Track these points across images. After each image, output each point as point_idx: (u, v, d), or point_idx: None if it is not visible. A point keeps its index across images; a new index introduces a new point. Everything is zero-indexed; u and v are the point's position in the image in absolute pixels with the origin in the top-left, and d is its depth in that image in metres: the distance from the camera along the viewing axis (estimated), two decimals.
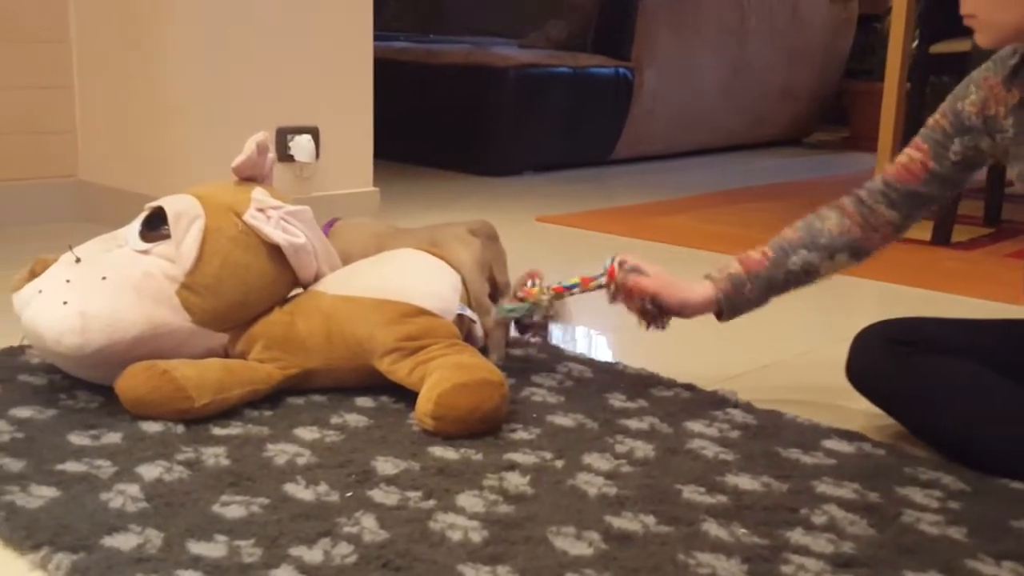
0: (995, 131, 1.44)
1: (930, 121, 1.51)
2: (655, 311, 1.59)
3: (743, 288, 1.56)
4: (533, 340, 1.77)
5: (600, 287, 1.60)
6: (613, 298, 1.60)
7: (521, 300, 1.64)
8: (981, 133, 1.46)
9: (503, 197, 3.58)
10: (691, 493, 1.26)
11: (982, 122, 1.45)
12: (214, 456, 1.31)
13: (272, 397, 1.52)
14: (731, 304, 1.57)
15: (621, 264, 1.59)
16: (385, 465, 1.31)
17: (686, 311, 1.59)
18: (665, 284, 1.58)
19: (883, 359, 1.48)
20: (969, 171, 1.52)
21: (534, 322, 1.67)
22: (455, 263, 1.70)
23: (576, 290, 1.62)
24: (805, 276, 1.56)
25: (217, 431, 1.40)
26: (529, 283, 1.64)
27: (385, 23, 5.28)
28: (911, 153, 1.52)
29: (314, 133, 2.77)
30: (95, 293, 1.45)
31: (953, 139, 1.48)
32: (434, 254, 1.68)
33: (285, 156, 2.70)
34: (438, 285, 1.61)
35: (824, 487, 1.29)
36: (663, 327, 1.61)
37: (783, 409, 1.56)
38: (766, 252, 1.58)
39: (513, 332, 1.74)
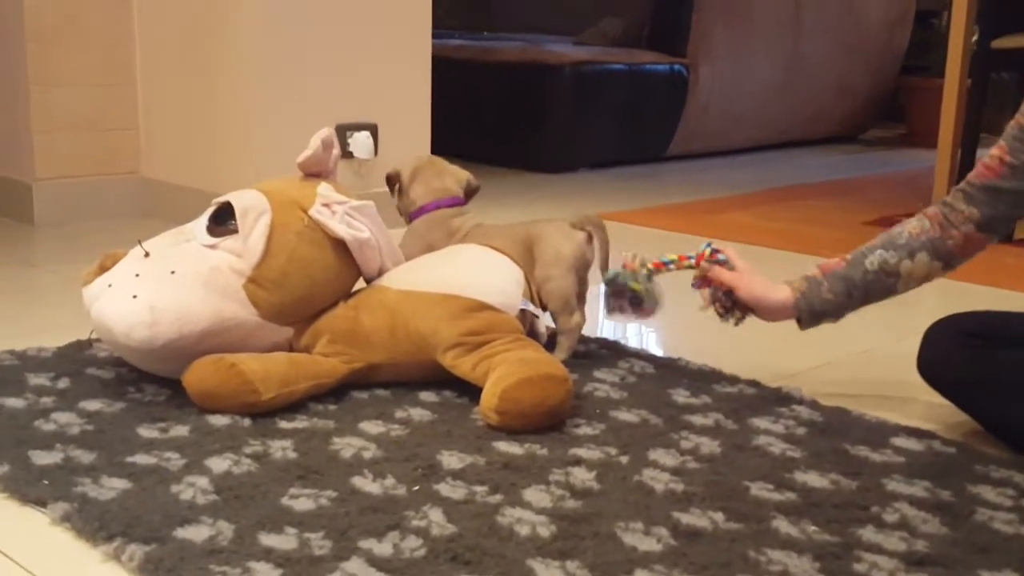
0: None
1: (1011, 122, 1.49)
2: (728, 304, 1.59)
3: (819, 288, 1.54)
4: (624, 316, 1.72)
5: (690, 267, 1.63)
6: (695, 283, 1.63)
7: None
8: None
9: (559, 194, 3.58)
10: (759, 490, 1.25)
11: None
12: (281, 449, 1.32)
13: (336, 391, 1.53)
14: (808, 305, 1.55)
15: (713, 253, 1.61)
16: (451, 459, 1.31)
17: (761, 311, 1.58)
18: (745, 281, 1.58)
19: (954, 351, 1.47)
20: None
21: (627, 297, 1.67)
22: (552, 257, 1.70)
23: (672, 267, 1.65)
24: (886, 276, 1.53)
25: (284, 424, 1.41)
26: (630, 257, 1.66)
27: (439, 20, 5.29)
28: (991, 152, 1.50)
29: (373, 130, 2.79)
30: (164, 287, 1.46)
31: None
32: (497, 249, 1.67)
33: (344, 152, 2.72)
34: (501, 280, 1.61)
35: (894, 485, 1.27)
36: (736, 323, 1.62)
37: (849, 406, 1.54)
38: (844, 256, 1.56)
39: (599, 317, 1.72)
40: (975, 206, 1.50)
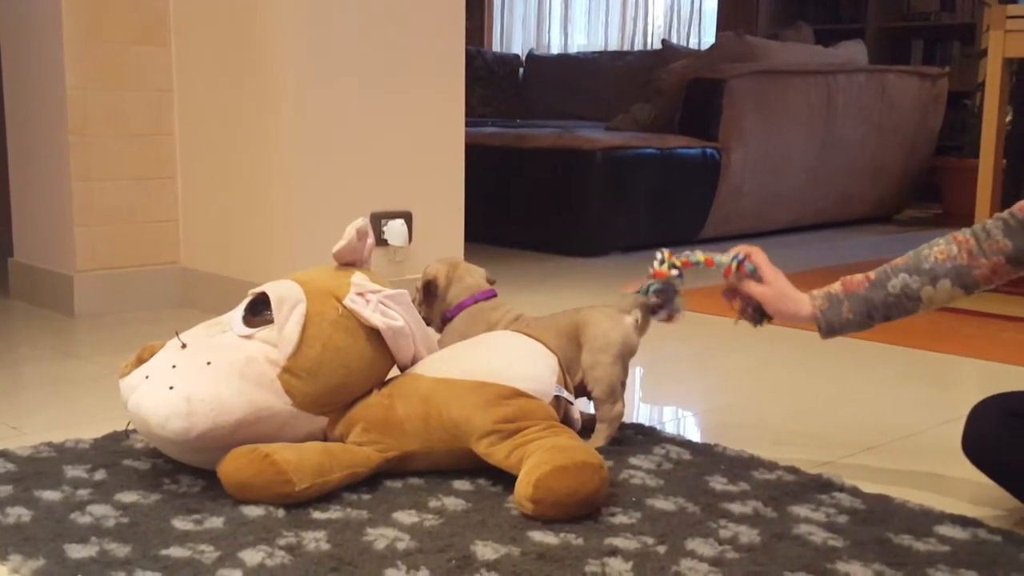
0: None
1: None
2: (757, 316, 1.63)
3: (840, 307, 1.56)
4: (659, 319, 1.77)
5: (719, 267, 1.67)
6: (726, 294, 1.66)
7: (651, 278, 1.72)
8: None
9: (592, 278, 3.59)
10: None
11: None
12: (315, 540, 1.32)
13: (370, 480, 1.52)
14: (828, 323, 1.57)
15: (741, 266, 1.63)
16: (485, 550, 1.29)
17: (786, 320, 1.61)
18: (772, 298, 1.60)
19: (1001, 430, 1.44)
20: None
21: (658, 302, 1.73)
22: (601, 343, 1.70)
23: (701, 266, 1.68)
24: (907, 300, 1.53)
25: (317, 515, 1.40)
26: (656, 262, 1.71)
27: (472, 109, 5.39)
28: None
29: (407, 218, 2.82)
30: (200, 378, 1.47)
31: None
32: (531, 336, 1.68)
33: (379, 240, 2.75)
34: (534, 366, 1.60)
35: (939, 575, 1.24)
36: (755, 324, 1.65)
37: (891, 493, 1.51)
38: (868, 275, 1.56)
39: None
40: (1012, 239, 1.48)
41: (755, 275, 1.63)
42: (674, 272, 1.69)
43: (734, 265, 1.63)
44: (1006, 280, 1.51)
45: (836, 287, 1.58)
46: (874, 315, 1.55)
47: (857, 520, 1.41)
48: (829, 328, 1.57)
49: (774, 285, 1.61)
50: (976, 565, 1.27)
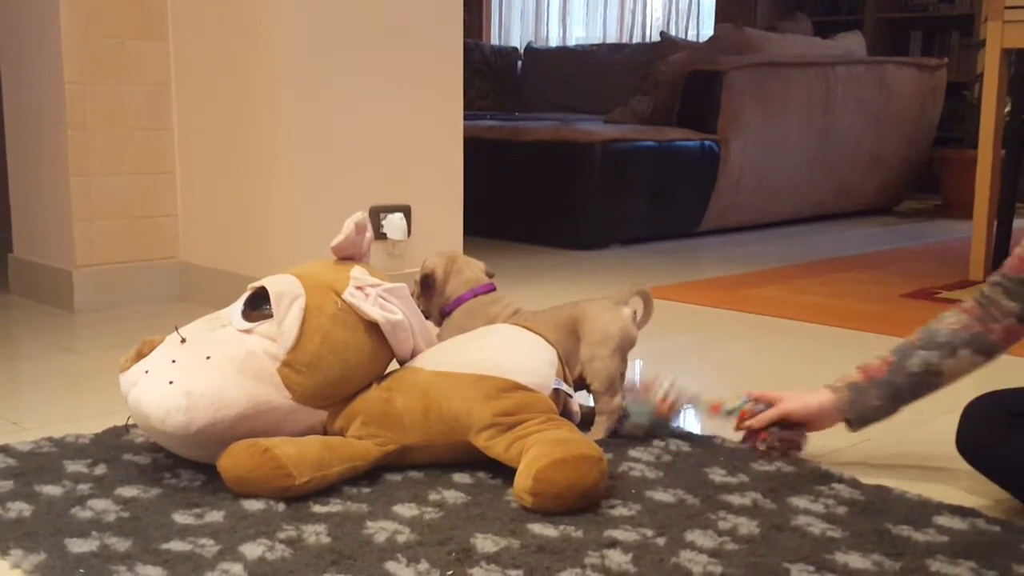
0: None
1: None
2: (784, 445, 1.63)
3: (866, 396, 1.55)
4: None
5: (729, 416, 1.69)
6: (746, 440, 1.67)
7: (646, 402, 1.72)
8: None
9: (591, 271, 3.59)
10: (800, 572, 1.23)
11: None
12: (315, 534, 1.32)
13: (370, 474, 1.52)
14: (858, 415, 1.56)
15: (754, 408, 1.66)
16: (485, 542, 1.30)
17: (815, 425, 1.62)
18: (794, 407, 1.61)
19: (995, 430, 1.44)
20: None
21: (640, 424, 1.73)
22: (600, 336, 1.71)
23: (703, 413, 1.72)
24: (929, 376, 1.52)
25: (317, 508, 1.40)
26: (660, 391, 1.71)
27: (471, 102, 5.39)
28: None
29: (406, 211, 2.82)
30: (200, 372, 1.48)
31: None
32: (530, 329, 1.68)
33: (378, 234, 2.75)
34: (534, 360, 1.61)
35: (938, 565, 1.25)
36: (799, 449, 1.65)
37: (890, 483, 1.52)
38: (887, 359, 1.55)
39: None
40: (1015, 300, 1.48)
41: (755, 408, 1.67)
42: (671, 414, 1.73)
43: (748, 407, 1.66)
44: (1022, 339, 1.51)
45: (856, 376, 1.57)
46: (900, 396, 1.54)
47: (856, 511, 1.42)
48: (860, 420, 1.57)
49: (787, 399, 1.63)
50: (975, 555, 1.28)
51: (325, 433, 1.58)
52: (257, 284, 1.59)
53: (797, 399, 1.61)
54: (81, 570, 1.21)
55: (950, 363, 1.51)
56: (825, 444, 1.70)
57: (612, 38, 7.38)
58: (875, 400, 1.54)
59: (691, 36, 6.93)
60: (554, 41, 7.74)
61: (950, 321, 1.52)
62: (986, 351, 1.51)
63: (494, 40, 7.98)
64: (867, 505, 1.44)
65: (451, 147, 2.93)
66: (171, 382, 1.46)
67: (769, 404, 1.65)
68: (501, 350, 1.61)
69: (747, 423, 1.65)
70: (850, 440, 1.73)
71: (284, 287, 1.57)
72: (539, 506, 1.39)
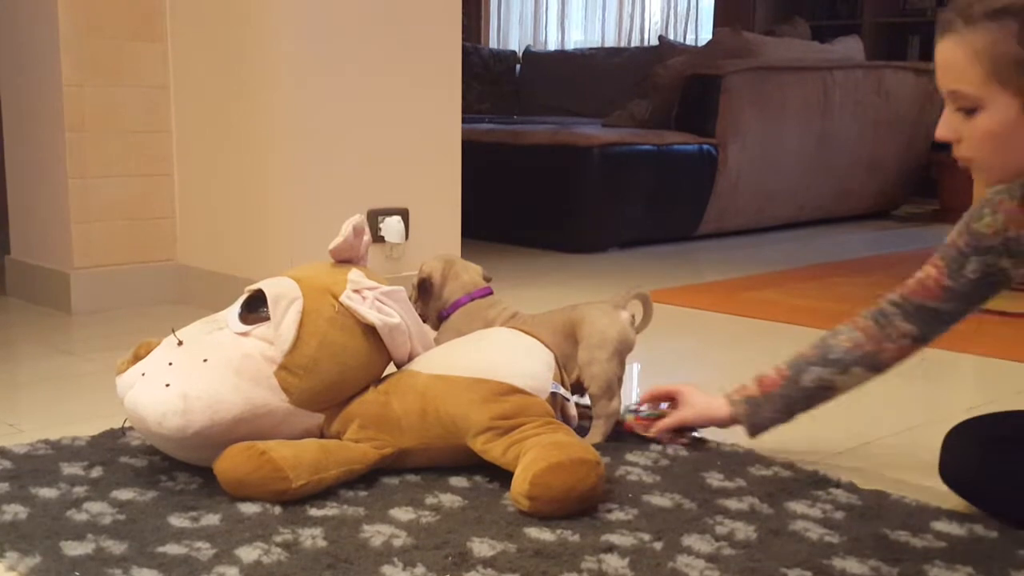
0: (1016, 252, 1.42)
1: (947, 239, 1.50)
2: (684, 438, 1.71)
3: (760, 409, 1.62)
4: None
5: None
6: (660, 439, 1.72)
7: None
8: (1000, 253, 1.44)
9: (589, 274, 3.59)
10: None
11: (1001, 242, 1.43)
12: (311, 537, 1.32)
13: (367, 477, 1.52)
14: (753, 425, 1.64)
15: (637, 416, 1.75)
16: (481, 546, 1.30)
17: (710, 425, 1.70)
18: (693, 418, 1.70)
19: (978, 459, 1.44)
20: (990, 289, 1.49)
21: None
22: (598, 340, 1.71)
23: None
24: (822, 391, 1.60)
25: (314, 512, 1.40)
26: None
27: (469, 105, 5.39)
28: (928, 269, 1.52)
29: (404, 214, 2.82)
30: (196, 375, 1.47)
31: (969, 258, 1.47)
32: (528, 333, 1.68)
33: (376, 237, 2.75)
34: (531, 363, 1.60)
35: (936, 571, 1.24)
36: (688, 442, 1.72)
37: (888, 489, 1.52)
38: (783, 372, 1.62)
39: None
40: (913, 323, 1.53)
41: (657, 414, 1.73)
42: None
43: (631, 418, 1.74)
44: (912, 355, 1.56)
45: (753, 389, 1.64)
46: (794, 408, 1.62)
47: (854, 516, 1.41)
48: (754, 430, 1.64)
49: (689, 406, 1.70)
50: (972, 561, 1.27)
51: (322, 436, 1.57)
52: (254, 287, 1.59)
53: (695, 409, 1.69)
54: (77, 573, 1.21)
55: (842, 379, 1.58)
56: (823, 449, 1.70)
57: (610, 42, 7.39)
58: (769, 413, 1.62)
59: (689, 40, 6.94)
60: (552, 45, 7.75)
61: (843, 339, 1.58)
62: (877, 368, 1.58)
63: (492, 44, 7.99)
64: (865, 510, 1.44)
65: (449, 150, 2.93)
66: (168, 385, 1.46)
67: (667, 398, 1.74)
68: (498, 353, 1.61)
69: (649, 432, 1.72)
70: (848, 444, 1.73)
71: (281, 290, 1.56)
72: (536, 510, 1.39)
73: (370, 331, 1.59)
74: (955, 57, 1.27)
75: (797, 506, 1.45)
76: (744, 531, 1.36)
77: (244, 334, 1.54)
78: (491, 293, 1.92)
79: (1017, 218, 1.41)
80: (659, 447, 1.69)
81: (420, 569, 1.23)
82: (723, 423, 1.67)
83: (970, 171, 1.34)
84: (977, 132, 1.28)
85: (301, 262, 1.73)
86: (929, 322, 1.52)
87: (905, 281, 1.55)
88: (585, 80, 6.19)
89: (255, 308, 1.57)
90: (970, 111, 1.28)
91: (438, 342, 1.79)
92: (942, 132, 1.32)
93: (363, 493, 1.47)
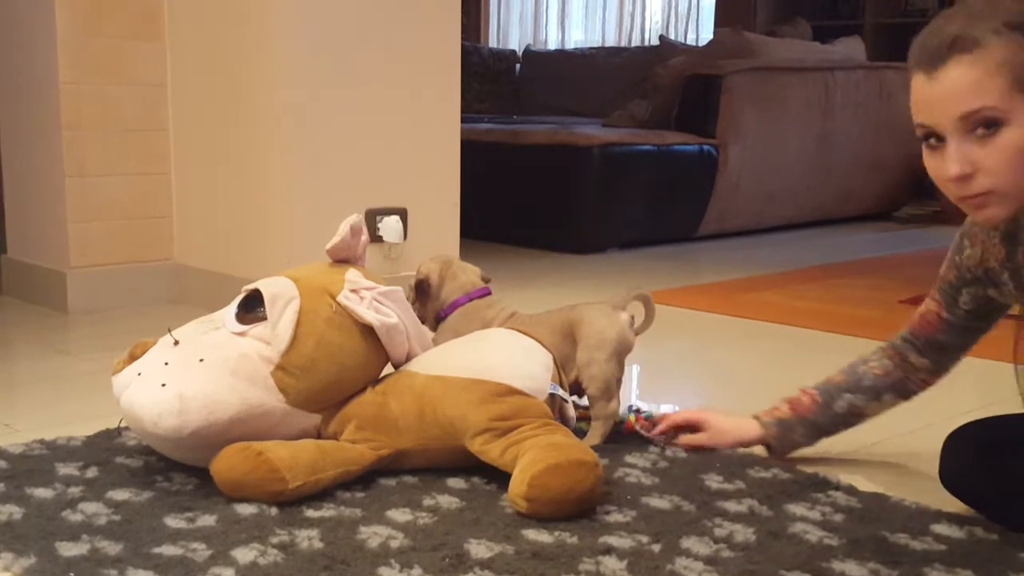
0: (998, 283, 1.42)
1: (940, 272, 1.50)
2: (668, 438, 1.72)
3: (791, 433, 1.63)
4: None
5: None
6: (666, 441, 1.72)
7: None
8: (985, 284, 1.44)
9: (589, 275, 3.58)
10: None
11: (983, 273, 1.43)
12: (308, 539, 1.31)
13: (364, 478, 1.51)
14: (782, 447, 1.65)
15: (639, 415, 1.75)
16: (479, 548, 1.29)
17: (739, 447, 1.69)
18: (710, 441, 1.68)
19: (975, 461, 1.43)
20: (986, 318, 1.49)
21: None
22: (596, 340, 1.70)
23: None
24: (853, 418, 1.61)
25: (310, 513, 1.39)
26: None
27: (468, 105, 5.38)
28: (928, 304, 1.53)
29: (402, 214, 2.81)
30: (193, 375, 1.46)
31: (960, 290, 1.47)
32: (526, 333, 1.67)
33: (374, 237, 2.74)
34: (529, 364, 1.59)
35: (936, 574, 1.24)
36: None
37: (887, 491, 1.51)
38: (815, 397, 1.62)
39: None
40: (925, 357, 1.55)
41: (650, 420, 1.73)
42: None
43: (631, 418, 1.74)
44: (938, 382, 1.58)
45: (786, 411, 1.64)
46: (822, 434, 1.64)
47: (853, 518, 1.41)
48: (783, 452, 1.65)
49: (718, 432, 1.68)
50: (972, 564, 1.27)
51: (319, 437, 1.57)
52: (251, 286, 1.58)
53: (726, 436, 1.67)
54: (71, 574, 1.20)
55: (874, 405, 1.60)
56: (822, 451, 1.69)
57: (611, 41, 7.39)
58: (800, 437, 1.63)
59: (690, 40, 6.93)
60: (552, 44, 7.74)
61: (874, 365, 1.59)
62: (907, 395, 1.59)
63: (492, 43, 7.98)
64: (864, 513, 1.43)
65: (448, 150, 2.92)
66: (164, 385, 1.45)
67: (690, 428, 1.71)
68: (497, 354, 1.60)
69: (652, 433, 1.71)
70: (847, 447, 1.72)
71: (279, 289, 1.56)
72: (534, 512, 1.38)
73: (368, 331, 1.58)
74: (971, 76, 1.19)
75: (796, 508, 1.44)
76: (743, 533, 1.35)
77: (241, 334, 1.53)
78: (489, 293, 1.91)
79: (992, 248, 1.39)
80: (657, 449, 1.68)
81: (417, 571, 1.22)
82: (751, 444, 1.67)
83: (982, 211, 1.24)
84: (1001, 152, 1.19)
85: (299, 262, 1.73)
86: (940, 354, 1.54)
87: (911, 316, 1.56)
88: (585, 80, 6.18)
89: (252, 308, 1.56)
90: (990, 128, 1.19)
91: (436, 343, 1.78)
92: (956, 168, 1.21)
93: (360, 494, 1.47)
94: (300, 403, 1.53)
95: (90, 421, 1.77)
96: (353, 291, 1.58)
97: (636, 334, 1.76)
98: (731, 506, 1.44)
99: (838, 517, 1.41)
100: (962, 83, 1.20)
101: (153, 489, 1.48)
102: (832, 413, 1.60)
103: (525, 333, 1.67)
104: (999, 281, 1.41)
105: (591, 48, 6.71)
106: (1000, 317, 1.50)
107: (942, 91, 1.21)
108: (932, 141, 1.25)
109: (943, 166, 1.23)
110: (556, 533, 1.33)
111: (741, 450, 1.67)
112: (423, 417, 1.53)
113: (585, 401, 1.74)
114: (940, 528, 1.38)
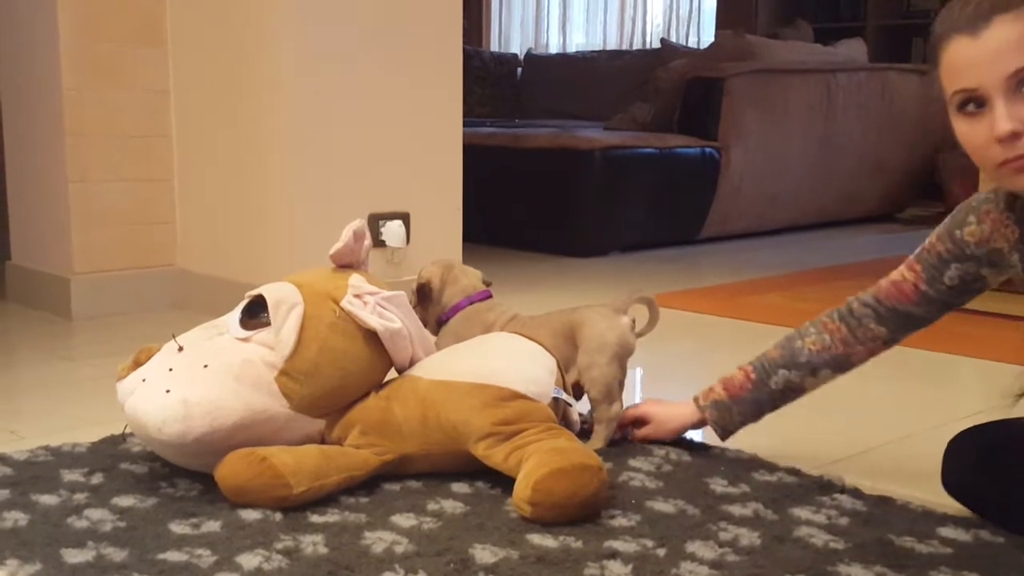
0: (1002, 263, 1.40)
1: (926, 243, 1.47)
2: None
3: (729, 412, 1.63)
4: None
5: None
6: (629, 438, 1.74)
7: None
8: (982, 263, 1.42)
9: (591, 278, 3.58)
10: None
11: (985, 252, 1.41)
12: (312, 544, 1.31)
13: (368, 483, 1.51)
14: (723, 429, 1.64)
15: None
16: (483, 553, 1.29)
17: (682, 433, 1.71)
18: (653, 432, 1.70)
19: (977, 466, 1.43)
20: (966, 295, 1.47)
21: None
22: (597, 344, 1.70)
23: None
24: (791, 393, 1.60)
25: (315, 519, 1.39)
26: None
27: (470, 109, 5.38)
28: (904, 272, 1.49)
29: (405, 218, 2.81)
30: (197, 381, 1.46)
31: (949, 264, 1.44)
32: (528, 337, 1.67)
33: (377, 241, 2.74)
34: (533, 368, 1.59)
35: None
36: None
37: (893, 494, 1.50)
38: (749, 374, 1.62)
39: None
40: (884, 326, 1.51)
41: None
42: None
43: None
44: (878, 354, 1.56)
45: (720, 393, 1.64)
46: (763, 410, 1.62)
47: (858, 522, 1.40)
48: (725, 433, 1.65)
49: (656, 423, 1.71)
50: (978, 567, 1.26)
51: (323, 442, 1.56)
52: (255, 292, 1.58)
53: (668, 425, 1.69)
54: None
55: (810, 380, 1.58)
56: (827, 454, 1.69)
57: (612, 45, 7.39)
58: (738, 416, 1.63)
59: (692, 43, 6.93)
60: (554, 48, 7.74)
61: (811, 341, 1.57)
62: (844, 369, 1.57)
63: (494, 47, 7.99)
64: (870, 516, 1.43)
65: (450, 154, 2.92)
66: (168, 391, 1.45)
67: (635, 424, 1.73)
68: (500, 358, 1.60)
69: (630, 438, 1.73)
70: (853, 450, 1.72)
71: (282, 295, 1.56)
72: (538, 516, 1.38)
73: (371, 336, 1.58)
74: (1016, 33, 1.18)
75: (801, 512, 1.44)
76: (748, 537, 1.35)
77: (245, 339, 1.53)
78: (490, 297, 1.91)
79: (1003, 228, 1.38)
80: (662, 452, 1.68)
81: None
82: (694, 427, 1.69)
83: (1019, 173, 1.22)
84: None
85: (302, 267, 1.72)
86: (902, 325, 1.51)
87: (878, 282, 1.53)
88: (587, 83, 6.18)
89: (256, 313, 1.56)
90: None
91: (437, 346, 1.78)
92: (1009, 125, 1.18)
93: (364, 499, 1.47)
94: (304, 408, 1.53)
95: (94, 427, 1.77)
96: (356, 296, 1.58)
97: (639, 336, 1.76)
98: (736, 510, 1.44)
99: (843, 520, 1.41)
100: (1010, 41, 1.18)
101: (158, 495, 1.48)
102: (768, 390, 1.59)
103: (527, 337, 1.67)
104: (1002, 262, 1.39)
105: (592, 51, 6.71)
106: (976, 296, 1.48)
107: (987, 51, 1.20)
108: (971, 107, 1.23)
109: (986, 130, 1.21)
110: (561, 538, 1.33)
111: (745, 454, 1.67)
112: (427, 422, 1.53)
113: (585, 403, 1.74)
114: (946, 531, 1.37)
